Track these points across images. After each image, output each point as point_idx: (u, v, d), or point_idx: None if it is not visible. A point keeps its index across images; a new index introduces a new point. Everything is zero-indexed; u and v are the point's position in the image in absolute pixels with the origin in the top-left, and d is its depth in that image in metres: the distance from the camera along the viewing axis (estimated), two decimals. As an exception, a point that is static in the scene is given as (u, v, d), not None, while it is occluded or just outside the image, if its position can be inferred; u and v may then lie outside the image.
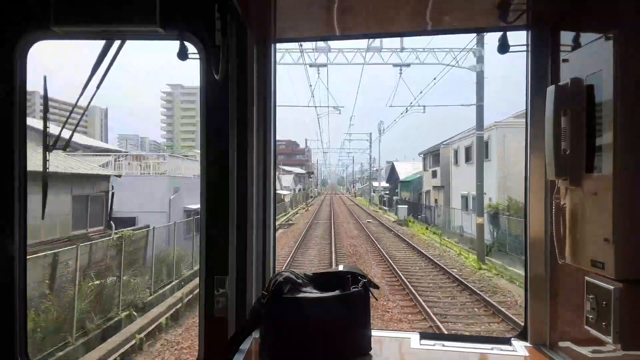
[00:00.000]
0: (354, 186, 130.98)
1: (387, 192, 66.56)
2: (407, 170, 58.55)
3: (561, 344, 1.93)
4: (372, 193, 72.69)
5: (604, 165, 1.50)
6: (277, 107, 2.38)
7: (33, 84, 2.20)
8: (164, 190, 22.47)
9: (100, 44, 2.02)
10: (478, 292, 13.44)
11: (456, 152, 34.15)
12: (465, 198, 30.59)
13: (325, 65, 22.01)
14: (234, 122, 1.99)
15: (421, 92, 25.61)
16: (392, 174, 64.99)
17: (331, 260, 18.25)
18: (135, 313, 12.16)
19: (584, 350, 1.73)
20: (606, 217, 1.46)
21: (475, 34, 17.00)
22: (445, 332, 9.78)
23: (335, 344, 1.77)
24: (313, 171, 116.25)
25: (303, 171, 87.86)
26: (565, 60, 1.80)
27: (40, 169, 2.12)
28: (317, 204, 64.97)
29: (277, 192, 20.68)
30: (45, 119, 2.22)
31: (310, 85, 29.12)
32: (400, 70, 22.24)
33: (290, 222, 36.34)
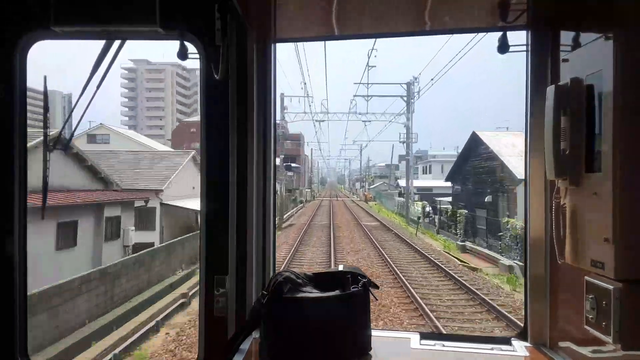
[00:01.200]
0: (362, 186, 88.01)
1: (452, 199, 31.80)
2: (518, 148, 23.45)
3: (561, 344, 1.93)
4: (398, 198, 39.11)
5: (604, 165, 1.50)
6: (277, 106, 2.38)
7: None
8: None
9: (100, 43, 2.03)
10: None
11: None
12: None
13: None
14: (234, 122, 1.99)
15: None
16: (470, 154, 29.29)
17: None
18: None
19: (584, 350, 1.73)
20: (606, 217, 1.46)
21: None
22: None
23: (335, 344, 1.77)
24: (297, 153, 77.31)
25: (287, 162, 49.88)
26: (565, 60, 1.80)
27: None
28: (299, 228, 27.77)
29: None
30: (45, 119, 2.22)
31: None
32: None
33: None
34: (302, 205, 54.42)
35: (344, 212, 40.79)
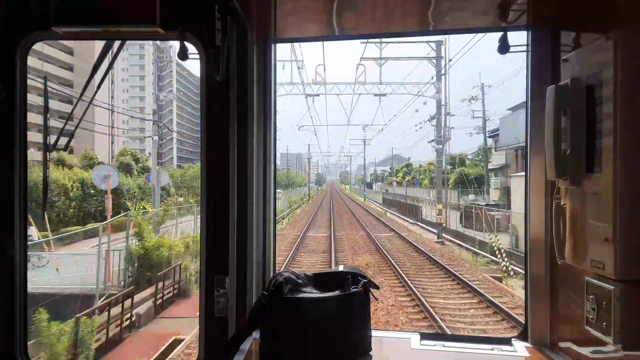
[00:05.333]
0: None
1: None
2: None
3: (561, 344, 1.93)
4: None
5: (604, 165, 1.50)
6: (276, 106, 2.39)
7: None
8: None
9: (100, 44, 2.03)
10: None
11: None
12: None
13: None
14: (234, 122, 1.99)
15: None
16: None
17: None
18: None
19: (585, 351, 1.73)
20: (606, 217, 1.46)
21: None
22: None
23: (335, 345, 1.76)
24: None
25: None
26: (565, 60, 1.80)
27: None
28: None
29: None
30: (45, 119, 2.22)
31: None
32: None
33: None
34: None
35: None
